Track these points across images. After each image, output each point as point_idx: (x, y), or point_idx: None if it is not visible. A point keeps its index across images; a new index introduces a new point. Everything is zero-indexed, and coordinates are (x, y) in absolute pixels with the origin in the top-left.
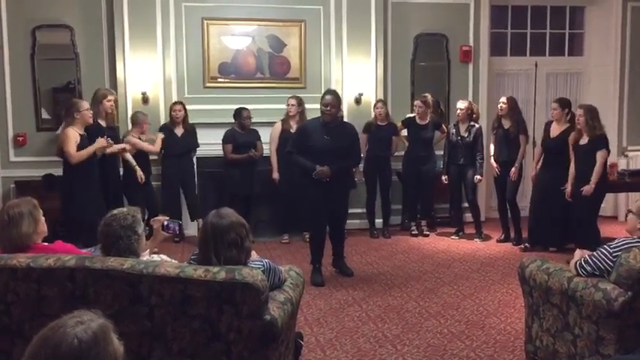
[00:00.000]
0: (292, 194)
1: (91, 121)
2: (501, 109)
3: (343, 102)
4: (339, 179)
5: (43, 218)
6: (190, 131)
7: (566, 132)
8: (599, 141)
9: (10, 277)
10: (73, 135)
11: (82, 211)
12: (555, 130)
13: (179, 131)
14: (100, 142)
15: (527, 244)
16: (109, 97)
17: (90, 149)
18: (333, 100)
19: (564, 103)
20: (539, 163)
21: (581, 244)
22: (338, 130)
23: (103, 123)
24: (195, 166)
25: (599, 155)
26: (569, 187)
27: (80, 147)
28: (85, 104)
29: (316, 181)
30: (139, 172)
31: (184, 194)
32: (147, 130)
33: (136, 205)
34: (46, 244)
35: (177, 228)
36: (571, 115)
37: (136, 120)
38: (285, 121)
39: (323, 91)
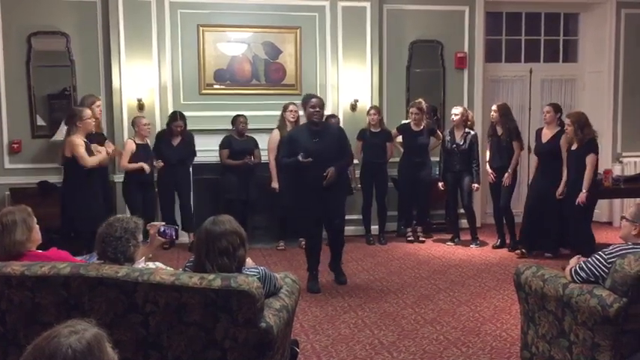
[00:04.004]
0: (290, 202)
1: (93, 129)
2: (492, 117)
3: (339, 108)
4: (333, 185)
5: (37, 226)
6: (187, 141)
7: (558, 135)
8: (588, 146)
9: (4, 285)
10: (80, 142)
11: (89, 220)
12: (547, 134)
13: (175, 141)
14: (103, 150)
15: (523, 250)
16: (97, 103)
17: (101, 157)
18: (319, 102)
19: (557, 108)
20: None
21: (576, 249)
22: (324, 133)
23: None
24: (191, 176)
25: (588, 160)
26: (560, 189)
27: None
28: (88, 113)
29: (308, 186)
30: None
31: (179, 204)
32: (146, 132)
33: (136, 209)
34: (40, 251)
35: (173, 233)
36: (561, 121)
37: (134, 123)
38: (281, 129)
39: (303, 97)
